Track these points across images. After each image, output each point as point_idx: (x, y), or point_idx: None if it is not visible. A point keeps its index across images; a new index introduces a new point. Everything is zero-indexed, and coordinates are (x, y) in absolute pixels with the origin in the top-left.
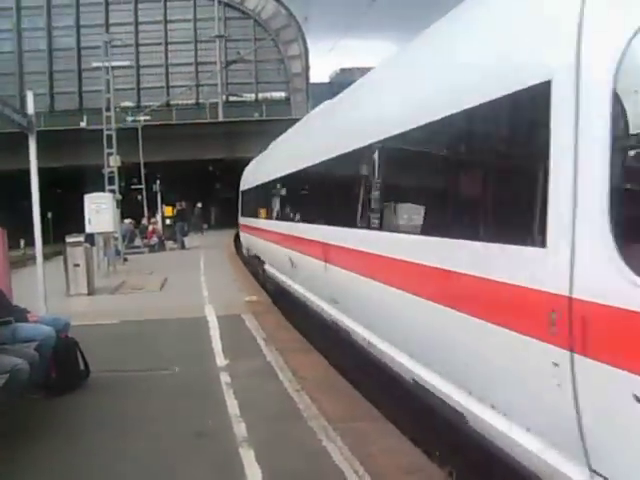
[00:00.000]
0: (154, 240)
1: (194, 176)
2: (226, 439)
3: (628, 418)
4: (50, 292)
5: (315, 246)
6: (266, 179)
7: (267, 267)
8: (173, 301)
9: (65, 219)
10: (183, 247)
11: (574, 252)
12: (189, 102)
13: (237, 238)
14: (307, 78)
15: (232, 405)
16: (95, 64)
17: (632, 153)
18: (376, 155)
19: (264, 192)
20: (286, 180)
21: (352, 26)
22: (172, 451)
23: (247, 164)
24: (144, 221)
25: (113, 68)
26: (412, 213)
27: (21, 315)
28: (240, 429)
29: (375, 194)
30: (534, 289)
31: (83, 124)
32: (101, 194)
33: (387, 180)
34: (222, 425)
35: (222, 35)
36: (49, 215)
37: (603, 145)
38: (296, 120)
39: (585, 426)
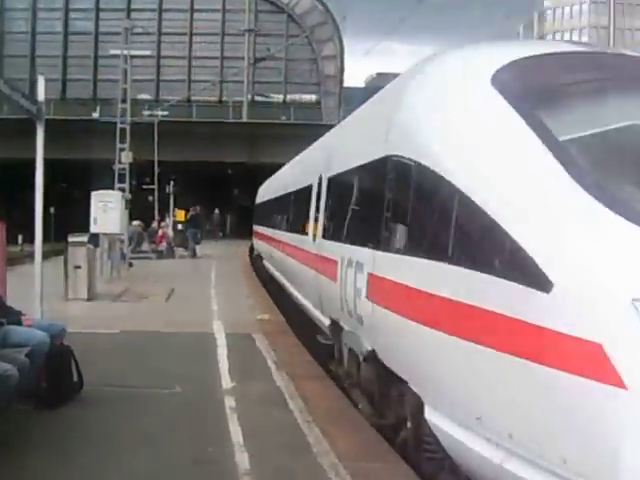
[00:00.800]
0: (163, 246)
1: (211, 180)
2: (226, 469)
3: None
4: (47, 295)
5: (279, 243)
6: (269, 197)
7: (265, 262)
8: (179, 314)
9: (69, 216)
10: (194, 255)
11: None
12: (211, 99)
13: (253, 250)
14: (341, 81)
15: (235, 432)
16: (113, 51)
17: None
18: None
19: (268, 207)
20: (275, 200)
21: (395, 28)
22: (165, 478)
23: (270, 171)
24: (154, 224)
25: (132, 57)
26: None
27: (14, 317)
28: (242, 460)
29: (312, 214)
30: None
31: (95, 115)
32: (110, 192)
33: (318, 205)
34: (223, 453)
35: (252, 29)
36: (51, 210)
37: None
38: (326, 126)
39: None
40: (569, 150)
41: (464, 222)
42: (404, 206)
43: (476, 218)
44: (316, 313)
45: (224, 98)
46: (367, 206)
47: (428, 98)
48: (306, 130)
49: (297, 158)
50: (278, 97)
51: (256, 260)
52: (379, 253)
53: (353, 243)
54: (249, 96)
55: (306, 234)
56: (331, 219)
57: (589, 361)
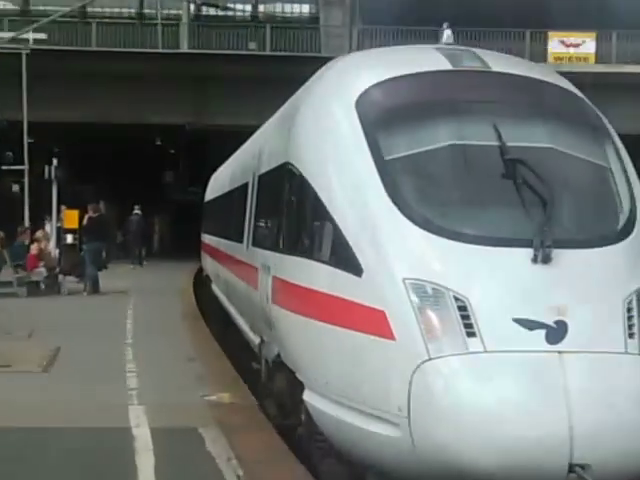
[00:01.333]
0: (40, 273)
1: (126, 157)
2: None
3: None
4: None
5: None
6: (221, 191)
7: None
8: (69, 393)
9: None
10: (95, 290)
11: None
12: (124, 12)
13: (202, 278)
14: None
15: None
16: None
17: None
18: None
19: (219, 207)
20: (225, 197)
21: None
22: None
23: (235, 140)
24: (22, 235)
25: None
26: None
27: None
28: None
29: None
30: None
31: None
32: None
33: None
34: None
35: None
36: None
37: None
38: (326, 59)
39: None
40: (390, 168)
41: (316, 224)
42: (289, 210)
43: (324, 222)
44: (250, 335)
45: (147, 10)
46: (273, 210)
47: (310, 113)
48: (292, 67)
49: (250, 140)
50: (243, 9)
51: (206, 294)
52: (276, 255)
53: (265, 248)
54: (191, 7)
55: (241, 242)
56: (256, 223)
57: (378, 323)
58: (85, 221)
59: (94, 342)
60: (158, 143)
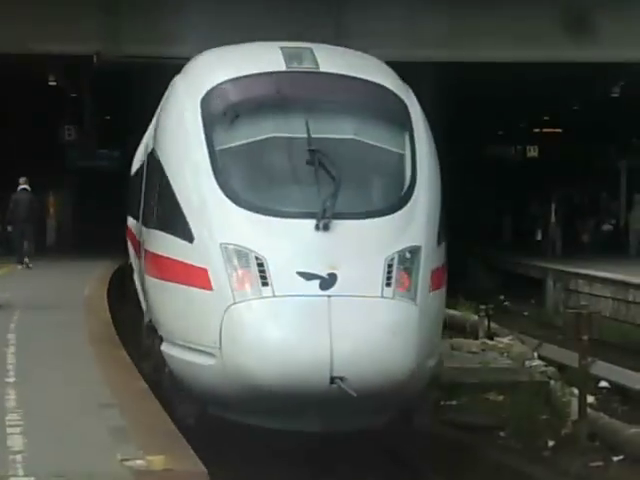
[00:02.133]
0: None
1: (4, 103)
2: None
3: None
4: None
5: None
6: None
7: None
8: None
9: None
10: None
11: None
12: None
13: (122, 280)
14: None
15: None
16: None
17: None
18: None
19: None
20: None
21: None
22: None
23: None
24: None
25: None
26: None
27: None
28: None
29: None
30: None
31: None
32: None
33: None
34: None
35: None
36: None
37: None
38: None
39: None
40: (220, 157)
41: (158, 201)
42: (152, 191)
43: (168, 199)
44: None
45: None
46: (147, 191)
47: (169, 106)
48: None
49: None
50: None
51: (129, 305)
52: (144, 229)
53: (142, 225)
54: None
55: (138, 221)
56: (144, 203)
57: (202, 279)
58: None
59: None
60: (52, 83)
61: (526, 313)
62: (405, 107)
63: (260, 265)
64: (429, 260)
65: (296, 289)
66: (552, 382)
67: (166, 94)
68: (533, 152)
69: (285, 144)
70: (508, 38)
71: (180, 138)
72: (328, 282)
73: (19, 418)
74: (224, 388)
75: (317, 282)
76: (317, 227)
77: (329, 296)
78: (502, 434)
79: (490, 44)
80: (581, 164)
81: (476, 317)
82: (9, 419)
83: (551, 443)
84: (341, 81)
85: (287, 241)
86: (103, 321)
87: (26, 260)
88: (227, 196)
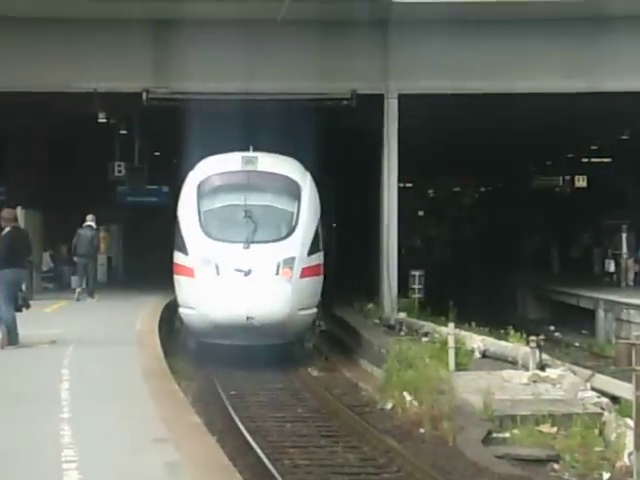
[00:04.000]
0: None
1: (54, 141)
2: None
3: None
4: None
5: None
6: None
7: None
8: None
9: None
10: (13, 341)
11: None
12: None
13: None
14: None
15: None
16: None
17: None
18: None
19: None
20: None
21: None
22: None
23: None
24: None
25: None
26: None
27: None
28: None
29: None
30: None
31: None
32: None
33: None
34: None
35: None
36: None
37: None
38: None
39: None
40: (203, 214)
41: (177, 234)
42: (175, 231)
43: (179, 234)
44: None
45: None
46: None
47: (185, 185)
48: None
49: None
50: None
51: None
52: (173, 252)
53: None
54: None
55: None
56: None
57: (191, 273)
58: None
59: (11, 418)
60: (102, 120)
61: (577, 344)
62: (298, 187)
63: (216, 266)
64: (301, 263)
65: (232, 276)
66: (606, 413)
67: (185, 180)
68: (582, 182)
69: (234, 207)
70: (556, 69)
71: (186, 203)
72: (248, 273)
73: (74, 454)
74: (201, 326)
75: (243, 273)
76: (244, 247)
77: (248, 279)
78: (556, 467)
79: (538, 74)
80: (631, 193)
81: (527, 348)
82: (64, 455)
83: (606, 476)
84: (266, 175)
85: (229, 254)
86: (155, 356)
87: (82, 293)
88: (204, 233)
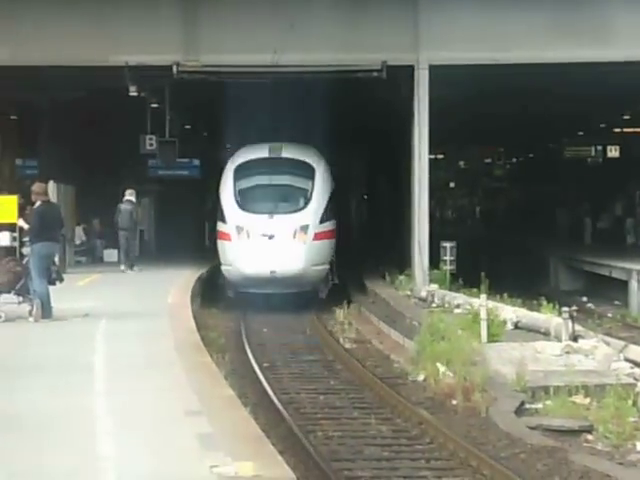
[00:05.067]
0: None
1: (85, 114)
2: None
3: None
4: None
5: None
6: None
7: None
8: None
9: None
10: (46, 314)
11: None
12: None
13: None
14: None
15: None
16: None
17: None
18: None
19: None
20: None
21: None
22: None
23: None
24: None
25: None
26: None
27: None
28: None
29: None
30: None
31: None
32: None
33: None
34: None
35: None
36: None
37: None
38: None
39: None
40: (238, 190)
41: (218, 208)
42: (216, 204)
43: (220, 207)
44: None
45: None
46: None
47: (225, 168)
48: None
49: None
50: None
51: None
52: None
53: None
54: None
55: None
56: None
57: (229, 237)
58: (28, 212)
59: (46, 390)
60: (133, 93)
61: (610, 315)
62: (313, 169)
63: (247, 232)
64: (313, 229)
65: (259, 240)
66: (639, 384)
67: (225, 165)
68: (614, 152)
69: (262, 187)
70: (587, 38)
71: (225, 184)
72: (272, 237)
73: (108, 425)
74: (237, 278)
75: (267, 237)
76: (269, 217)
77: (272, 242)
78: (589, 437)
79: (570, 44)
80: None
81: (560, 319)
82: (99, 427)
83: None
84: (287, 160)
85: (257, 222)
86: (188, 329)
87: (129, 265)
88: (238, 206)
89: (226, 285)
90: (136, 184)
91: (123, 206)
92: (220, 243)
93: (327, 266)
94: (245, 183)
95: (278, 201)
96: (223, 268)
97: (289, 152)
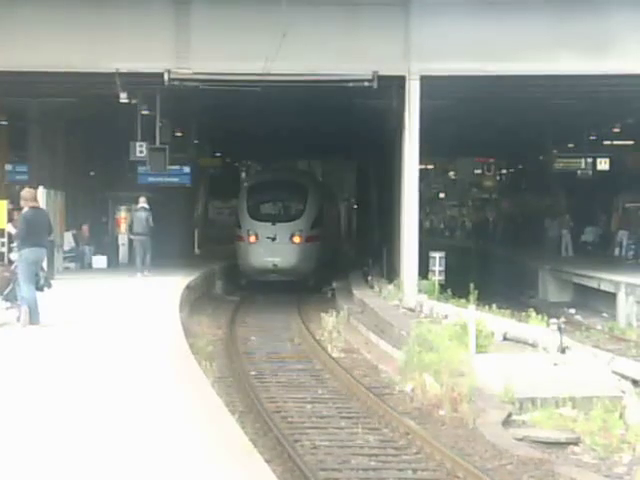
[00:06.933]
0: None
1: (75, 121)
2: None
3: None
4: None
5: None
6: None
7: None
8: None
9: None
10: (34, 320)
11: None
12: None
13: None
14: None
15: None
16: None
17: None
18: None
19: None
20: None
21: None
22: None
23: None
24: None
25: None
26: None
27: None
28: None
29: None
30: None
31: None
32: None
33: None
34: None
35: None
36: None
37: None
38: None
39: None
40: (249, 205)
41: (236, 217)
42: (237, 215)
43: (237, 216)
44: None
45: None
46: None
47: (241, 187)
48: None
49: None
50: None
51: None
52: (235, 228)
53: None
54: None
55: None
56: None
57: (243, 239)
58: (16, 217)
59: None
60: (124, 100)
61: (598, 327)
62: (306, 189)
63: (256, 235)
64: (305, 233)
65: (265, 241)
66: (626, 397)
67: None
68: (604, 165)
69: (267, 201)
70: (578, 50)
71: (241, 199)
72: (274, 239)
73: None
74: (247, 270)
75: (271, 239)
76: (272, 224)
77: (274, 243)
78: (576, 450)
79: (561, 56)
80: None
81: (548, 331)
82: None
83: (627, 459)
84: (287, 182)
85: (264, 228)
86: (177, 337)
87: (144, 272)
88: (249, 216)
89: (240, 274)
90: (126, 191)
91: (138, 213)
92: (237, 244)
93: (316, 261)
94: (254, 198)
95: (279, 212)
96: (239, 262)
97: (288, 176)
